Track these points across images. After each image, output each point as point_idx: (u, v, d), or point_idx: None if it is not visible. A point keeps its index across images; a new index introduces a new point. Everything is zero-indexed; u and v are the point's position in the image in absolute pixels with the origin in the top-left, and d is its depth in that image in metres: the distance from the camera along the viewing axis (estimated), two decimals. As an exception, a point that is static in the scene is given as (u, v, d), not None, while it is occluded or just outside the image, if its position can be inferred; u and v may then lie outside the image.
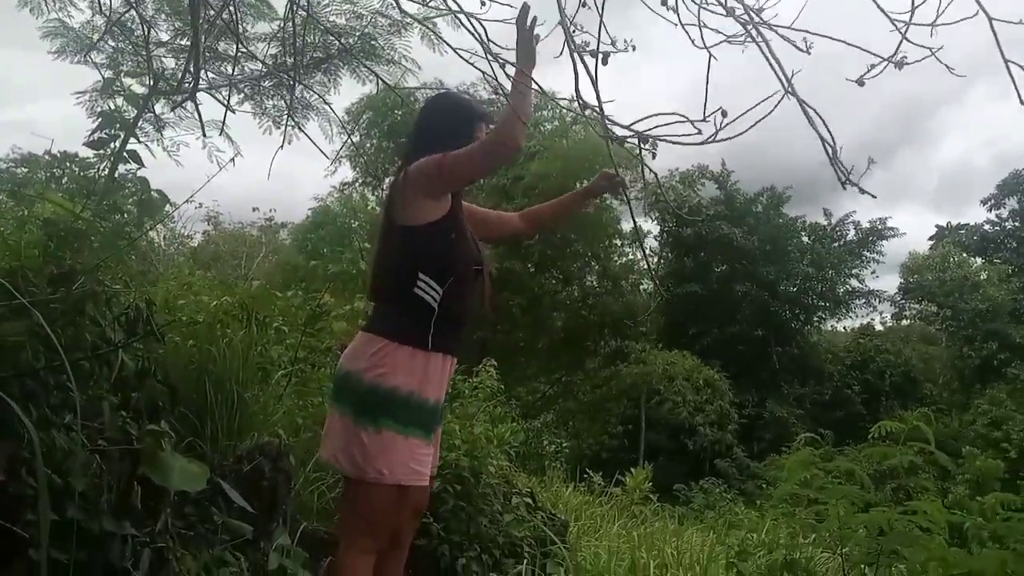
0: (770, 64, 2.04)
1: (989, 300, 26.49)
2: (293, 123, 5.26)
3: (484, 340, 18.03)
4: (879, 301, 29.72)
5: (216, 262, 13.73)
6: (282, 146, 4.91)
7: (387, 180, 22.94)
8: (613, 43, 2.20)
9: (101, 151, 2.96)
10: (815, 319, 28.45)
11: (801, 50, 2.02)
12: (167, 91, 4.65)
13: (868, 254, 28.28)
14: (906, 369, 27.10)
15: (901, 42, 2.01)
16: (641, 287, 24.49)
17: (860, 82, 2.01)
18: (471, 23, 2.70)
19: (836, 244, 28.30)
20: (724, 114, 2.03)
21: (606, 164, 3.31)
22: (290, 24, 4.44)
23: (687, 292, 24.99)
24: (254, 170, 5.41)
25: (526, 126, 2.39)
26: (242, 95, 5.47)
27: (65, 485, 1.98)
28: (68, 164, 4.99)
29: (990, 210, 32.80)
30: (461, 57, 2.93)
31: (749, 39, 2.13)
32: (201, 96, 4.63)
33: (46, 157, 5.58)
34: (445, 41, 3.55)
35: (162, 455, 2.18)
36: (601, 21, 2.14)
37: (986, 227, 33.04)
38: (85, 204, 2.77)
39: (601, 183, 3.05)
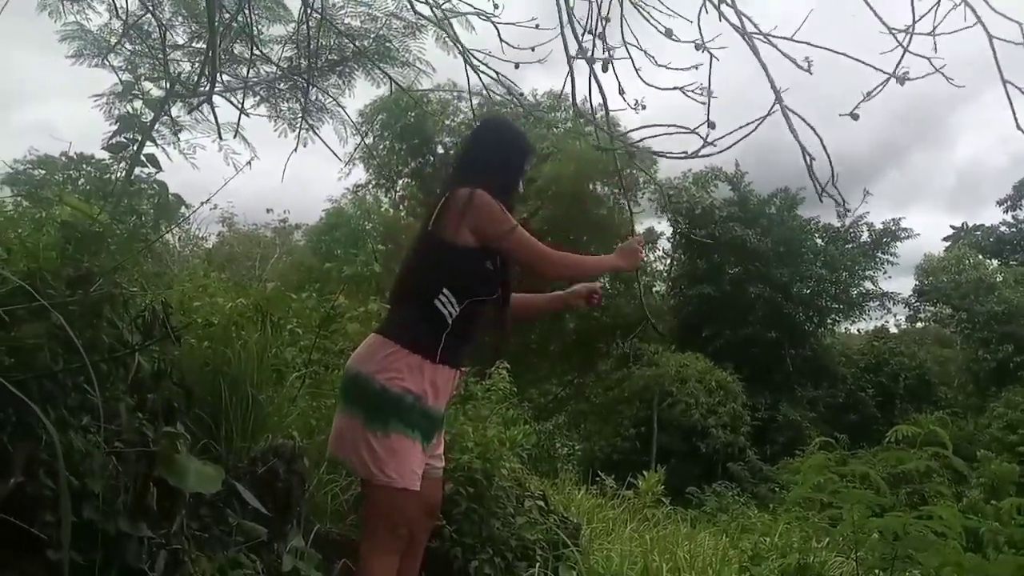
0: (766, 74, 2.05)
1: (1005, 302, 26.10)
2: (308, 126, 5.28)
3: (497, 344, 17.96)
4: (893, 303, 29.44)
5: (230, 263, 13.77)
6: (296, 148, 4.95)
7: (400, 182, 23.00)
8: (630, 50, 2.22)
9: (119, 154, 2.99)
10: (829, 321, 28.18)
11: (801, 68, 2.03)
12: (183, 94, 4.68)
13: (882, 256, 27.99)
14: (921, 372, 26.87)
15: (904, 55, 2.01)
16: (654, 289, 24.38)
17: (854, 115, 2.03)
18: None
19: (850, 246, 28.04)
20: (712, 126, 2.06)
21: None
22: (304, 27, 4.46)
23: (700, 294, 24.86)
24: (269, 172, 5.43)
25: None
26: (257, 98, 5.50)
27: (82, 486, 2.00)
28: (85, 166, 5.04)
29: (1006, 211, 32.59)
30: (468, 62, 2.94)
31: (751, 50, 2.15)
32: (217, 99, 4.66)
33: (63, 159, 5.63)
34: (460, 44, 3.54)
35: (178, 457, 2.20)
36: (605, 24, 2.15)
37: (1002, 228, 32.80)
38: (102, 207, 2.79)
39: (579, 301, 3.22)
